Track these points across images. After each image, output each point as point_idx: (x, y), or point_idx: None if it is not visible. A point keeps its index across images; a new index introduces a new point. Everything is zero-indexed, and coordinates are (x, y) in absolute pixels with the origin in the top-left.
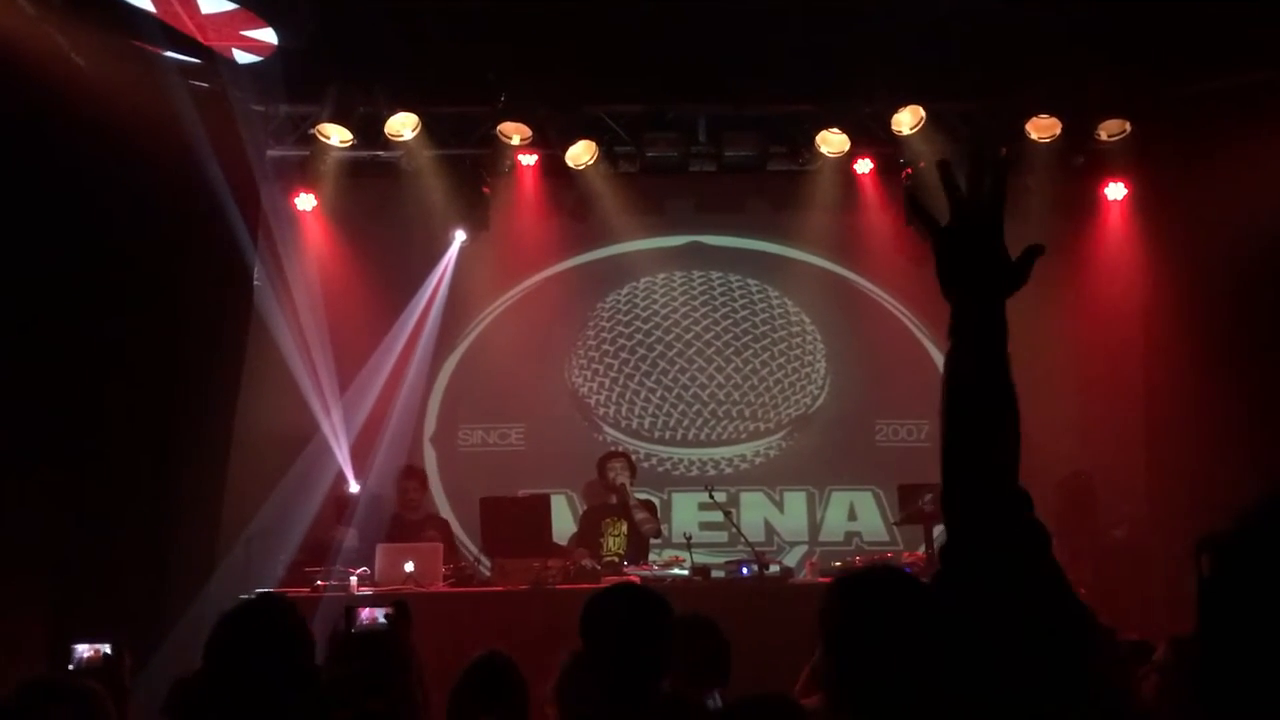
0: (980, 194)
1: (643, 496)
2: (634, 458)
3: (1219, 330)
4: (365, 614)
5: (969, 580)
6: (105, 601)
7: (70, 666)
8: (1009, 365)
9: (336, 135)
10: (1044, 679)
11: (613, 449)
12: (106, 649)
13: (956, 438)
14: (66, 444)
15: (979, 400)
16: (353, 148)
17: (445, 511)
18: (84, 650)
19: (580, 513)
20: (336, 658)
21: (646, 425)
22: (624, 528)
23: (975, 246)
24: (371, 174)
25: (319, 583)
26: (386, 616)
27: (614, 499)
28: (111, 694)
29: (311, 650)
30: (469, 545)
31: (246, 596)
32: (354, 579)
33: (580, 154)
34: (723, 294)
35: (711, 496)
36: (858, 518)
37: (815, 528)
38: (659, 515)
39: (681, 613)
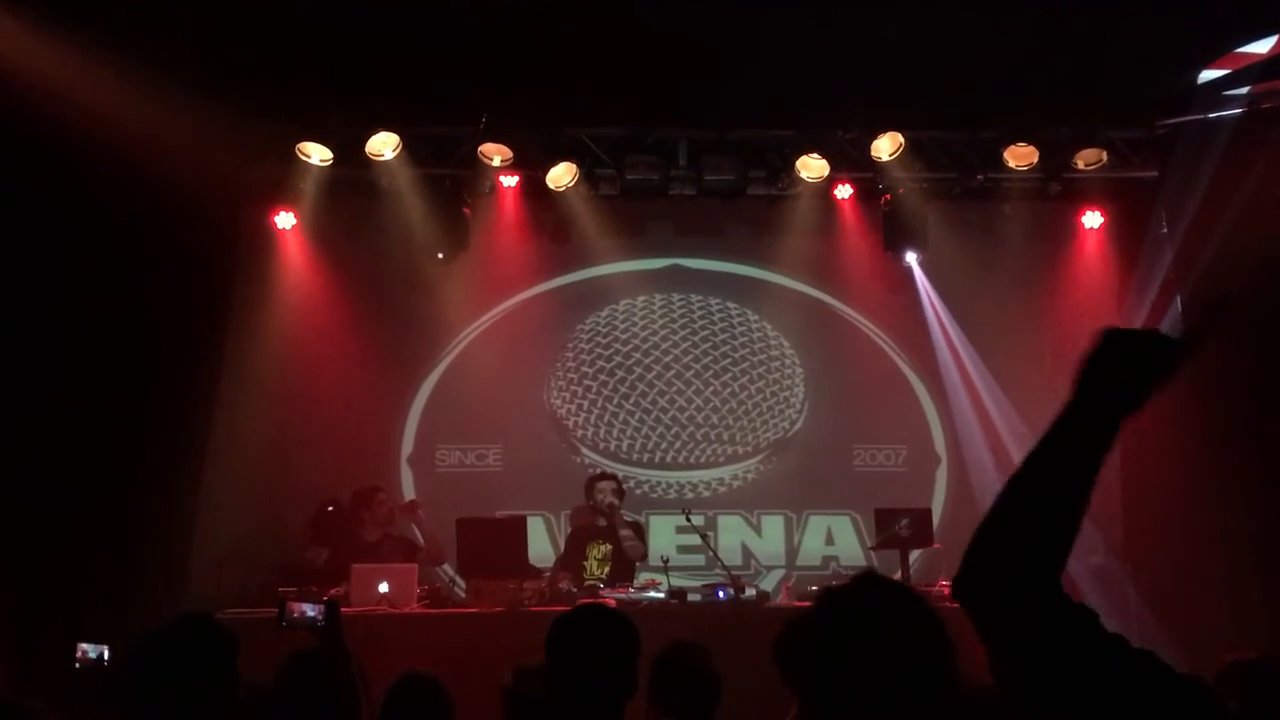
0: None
1: (630, 518)
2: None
3: (1193, 359)
4: (296, 609)
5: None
6: (76, 617)
7: (76, 665)
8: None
9: (317, 154)
10: None
11: (598, 470)
12: (105, 650)
13: (1013, 523)
14: (38, 461)
15: (1057, 500)
16: (333, 166)
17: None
18: (85, 650)
19: (557, 534)
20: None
21: (625, 448)
22: (607, 550)
23: (1158, 363)
24: (352, 193)
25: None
26: (318, 614)
27: (601, 521)
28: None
29: (230, 672)
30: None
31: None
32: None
33: (561, 176)
34: (702, 317)
35: (689, 519)
36: (835, 542)
37: (792, 552)
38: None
39: (676, 641)
